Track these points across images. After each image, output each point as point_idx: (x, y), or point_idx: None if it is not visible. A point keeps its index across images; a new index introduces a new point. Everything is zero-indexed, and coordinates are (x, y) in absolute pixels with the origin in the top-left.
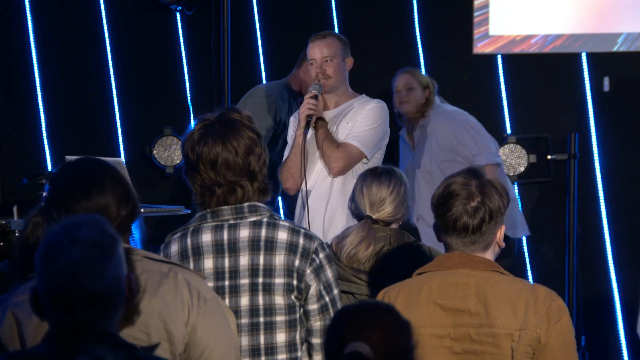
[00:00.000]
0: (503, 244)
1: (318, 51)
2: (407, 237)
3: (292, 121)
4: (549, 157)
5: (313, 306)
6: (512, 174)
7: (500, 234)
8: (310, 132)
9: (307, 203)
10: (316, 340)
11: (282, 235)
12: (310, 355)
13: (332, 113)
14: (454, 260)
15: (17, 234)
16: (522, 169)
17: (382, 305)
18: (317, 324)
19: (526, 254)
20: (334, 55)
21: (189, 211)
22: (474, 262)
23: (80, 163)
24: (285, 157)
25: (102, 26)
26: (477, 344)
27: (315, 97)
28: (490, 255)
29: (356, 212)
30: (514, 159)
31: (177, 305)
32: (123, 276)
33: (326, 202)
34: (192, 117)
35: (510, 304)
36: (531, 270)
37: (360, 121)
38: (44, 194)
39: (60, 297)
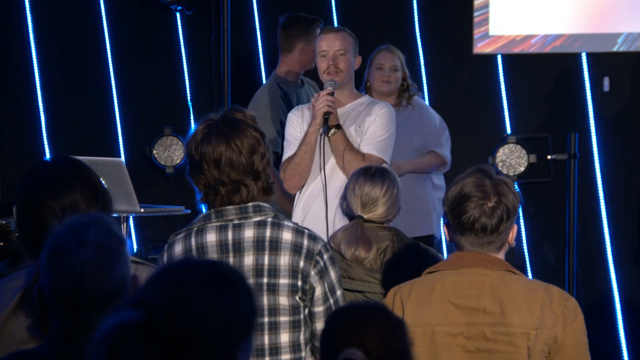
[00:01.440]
0: (514, 243)
1: (331, 44)
2: (405, 235)
3: (293, 118)
4: (549, 157)
5: (319, 308)
6: (512, 174)
7: (513, 233)
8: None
9: (327, 202)
10: None
11: (287, 236)
12: (315, 356)
13: (339, 112)
14: (467, 259)
15: (17, 234)
16: (522, 169)
17: (374, 306)
18: (322, 326)
19: (526, 254)
20: (347, 50)
21: (189, 211)
22: (488, 262)
23: (48, 162)
24: (289, 153)
25: (102, 26)
26: (492, 343)
27: (331, 93)
28: (502, 255)
29: (347, 212)
30: (514, 159)
31: None
32: (129, 277)
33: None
34: (192, 117)
35: (526, 303)
36: (531, 270)
37: (374, 128)
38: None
39: (67, 297)
